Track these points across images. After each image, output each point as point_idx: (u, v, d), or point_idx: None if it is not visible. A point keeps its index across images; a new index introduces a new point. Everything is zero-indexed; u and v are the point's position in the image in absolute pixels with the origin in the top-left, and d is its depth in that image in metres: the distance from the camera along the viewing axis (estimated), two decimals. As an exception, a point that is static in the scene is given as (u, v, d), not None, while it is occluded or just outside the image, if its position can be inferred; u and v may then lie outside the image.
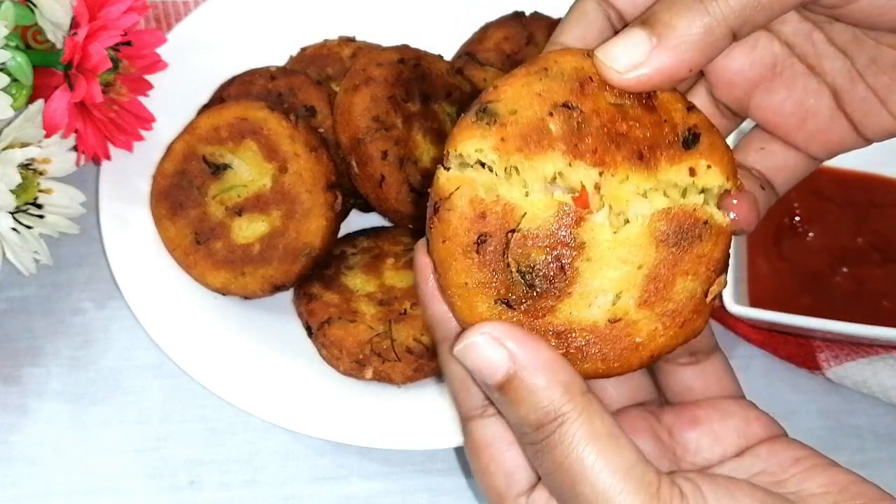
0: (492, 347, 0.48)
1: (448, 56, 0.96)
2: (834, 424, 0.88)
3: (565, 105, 0.48)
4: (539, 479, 0.53)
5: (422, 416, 0.82)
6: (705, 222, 0.49)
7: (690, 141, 0.50)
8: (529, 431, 0.49)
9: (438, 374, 0.85)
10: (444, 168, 0.50)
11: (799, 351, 0.89)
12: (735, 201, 0.52)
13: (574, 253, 0.48)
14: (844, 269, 0.89)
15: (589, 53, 0.50)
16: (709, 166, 0.50)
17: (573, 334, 0.49)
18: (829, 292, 0.88)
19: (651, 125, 0.49)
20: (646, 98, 0.50)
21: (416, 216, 0.87)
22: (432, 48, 0.92)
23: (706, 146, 0.50)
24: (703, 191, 0.50)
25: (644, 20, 0.49)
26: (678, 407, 0.59)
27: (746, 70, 0.57)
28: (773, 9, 0.49)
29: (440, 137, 0.88)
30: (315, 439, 0.83)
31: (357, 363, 0.83)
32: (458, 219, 0.49)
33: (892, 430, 0.88)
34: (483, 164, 0.49)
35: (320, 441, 0.83)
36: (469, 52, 0.96)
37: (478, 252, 0.48)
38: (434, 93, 0.89)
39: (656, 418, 0.58)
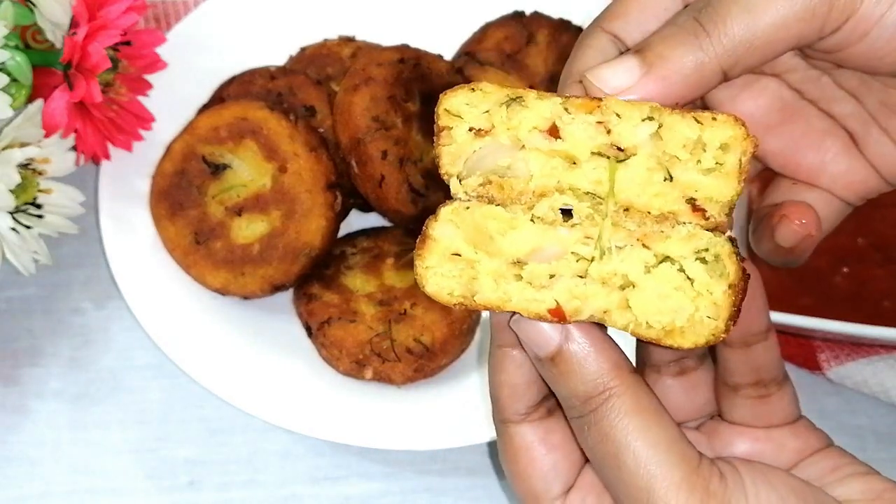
0: None
1: (448, 56, 0.96)
2: (834, 425, 0.87)
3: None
4: (574, 482, 0.54)
5: (421, 416, 0.82)
6: (680, 349, 0.49)
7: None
8: (577, 404, 0.50)
9: (437, 375, 0.85)
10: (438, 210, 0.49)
11: (799, 351, 0.89)
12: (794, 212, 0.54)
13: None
14: (845, 270, 0.89)
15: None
16: (714, 118, 0.48)
17: None
18: (830, 292, 0.88)
19: None
20: None
21: (416, 216, 0.87)
22: (432, 48, 0.92)
23: (705, 111, 0.50)
24: (702, 231, 0.49)
25: (638, 48, 0.50)
26: (731, 433, 0.59)
27: (755, 114, 0.57)
28: (766, 52, 0.49)
29: (440, 137, 0.88)
30: (315, 439, 0.83)
31: (357, 363, 0.83)
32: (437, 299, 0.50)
33: (892, 431, 0.88)
34: (469, 199, 0.49)
35: (320, 441, 0.83)
36: (469, 52, 0.96)
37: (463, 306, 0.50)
38: (434, 93, 0.89)
39: (707, 439, 0.58)
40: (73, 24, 0.81)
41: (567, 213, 0.49)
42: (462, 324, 0.84)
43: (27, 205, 0.82)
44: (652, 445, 0.48)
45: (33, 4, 0.81)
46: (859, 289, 0.88)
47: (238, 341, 0.85)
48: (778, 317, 0.83)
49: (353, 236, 0.91)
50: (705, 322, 0.48)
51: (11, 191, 0.78)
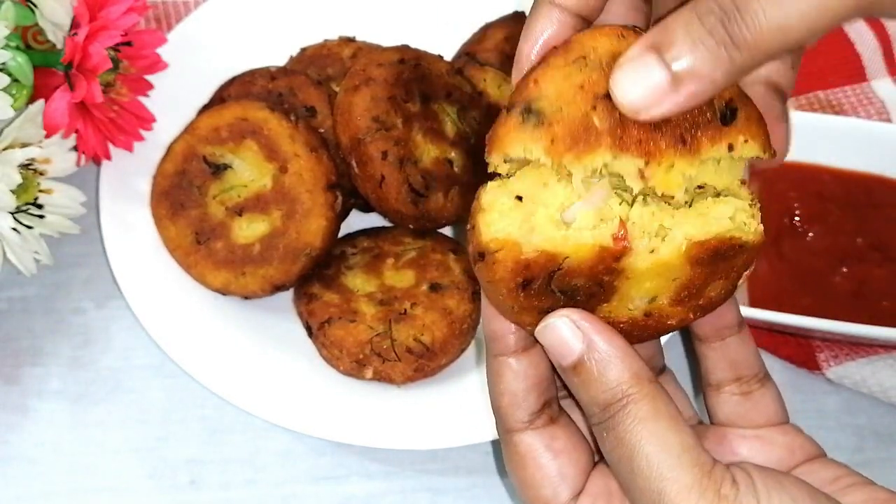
0: (570, 329, 0.51)
1: (448, 56, 0.96)
2: (834, 424, 0.88)
3: (608, 96, 0.49)
4: (582, 488, 0.55)
5: (422, 416, 0.82)
6: (741, 246, 0.51)
7: (728, 117, 0.51)
8: (597, 411, 0.51)
9: (438, 374, 0.85)
10: (488, 179, 0.51)
11: (799, 351, 0.89)
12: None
13: (612, 277, 0.51)
14: (844, 270, 0.89)
15: (623, 34, 0.50)
16: (746, 140, 0.51)
17: (612, 325, 0.53)
18: (829, 292, 0.88)
19: None
20: None
21: (416, 216, 0.87)
22: (432, 48, 0.92)
23: (743, 120, 0.51)
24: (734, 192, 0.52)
25: (657, 45, 0.45)
26: (720, 433, 0.60)
27: None
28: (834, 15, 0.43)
29: (440, 137, 0.88)
30: (315, 439, 0.83)
31: (357, 363, 0.83)
32: (502, 271, 0.50)
33: (892, 430, 0.88)
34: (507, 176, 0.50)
35: (320, 441, 0.83)
36: (469, 52, 0.96)
37: (523, 290, 0.51)
38: (434, 93, 0.89)
39: None
40: (74, 24, 0.81)
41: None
42: (462, 323, 0.84)
43: (28, 205, 0.82)
44: (665, 450, 0.49)
45: (34, 5, 0.81)
46: (859, 289, 0.88)
47: (239, 341, 0.85)
48: (778, 317, 0.83)
49: (353, 236, 0.92)
50: (747, 224, 0.51)
51: (12, 191, 0.79)
